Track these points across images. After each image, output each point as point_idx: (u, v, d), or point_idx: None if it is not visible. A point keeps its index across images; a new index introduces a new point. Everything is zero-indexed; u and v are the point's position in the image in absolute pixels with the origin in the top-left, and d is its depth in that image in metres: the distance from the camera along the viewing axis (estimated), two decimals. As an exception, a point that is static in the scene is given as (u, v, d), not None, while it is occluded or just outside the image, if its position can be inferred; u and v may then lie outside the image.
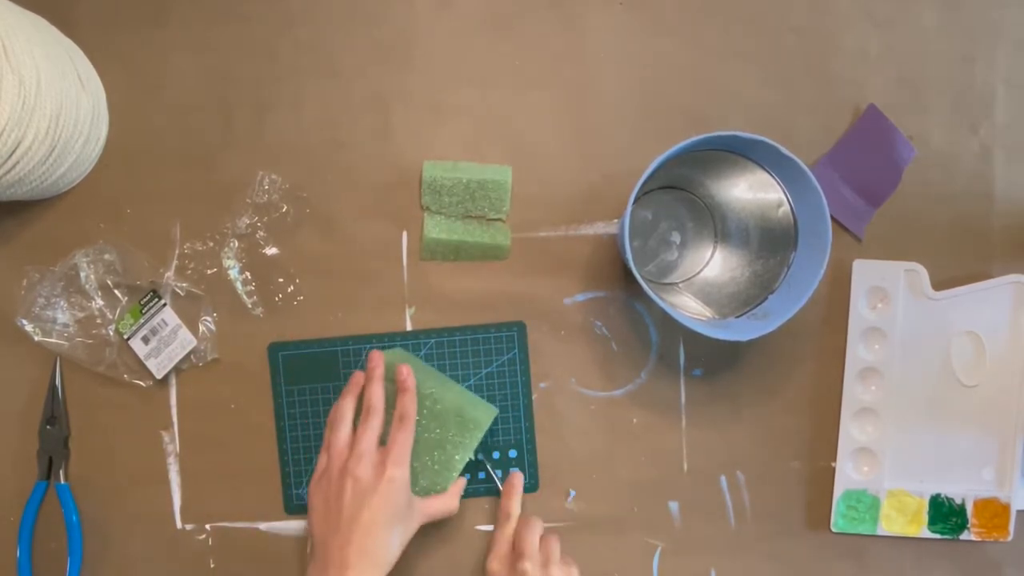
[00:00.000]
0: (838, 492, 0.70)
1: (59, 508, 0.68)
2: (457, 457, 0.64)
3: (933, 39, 0.71)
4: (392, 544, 0.59)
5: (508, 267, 0.70)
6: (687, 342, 0.71)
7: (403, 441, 0.60)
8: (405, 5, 0.70)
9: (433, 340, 0.70)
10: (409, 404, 0.62)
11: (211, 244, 0.69)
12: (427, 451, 0.64)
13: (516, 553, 0.63)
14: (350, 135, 0.70)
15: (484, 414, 0.65)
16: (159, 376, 0.68)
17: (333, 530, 0.58)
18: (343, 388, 0.64)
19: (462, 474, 0.65)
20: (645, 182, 0.58)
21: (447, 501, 0.64)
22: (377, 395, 0.62)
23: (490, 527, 0.70)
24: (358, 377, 0.64)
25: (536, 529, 0.64)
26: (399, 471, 0.59)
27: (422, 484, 0.64)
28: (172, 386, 0.69)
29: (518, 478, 0.68)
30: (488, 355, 0.70)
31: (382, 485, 0.58)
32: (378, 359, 0.64)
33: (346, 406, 0.62)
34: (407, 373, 0.63)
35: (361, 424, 0.61)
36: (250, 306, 0.69)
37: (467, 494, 0.70)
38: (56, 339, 0.68)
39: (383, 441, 0.61)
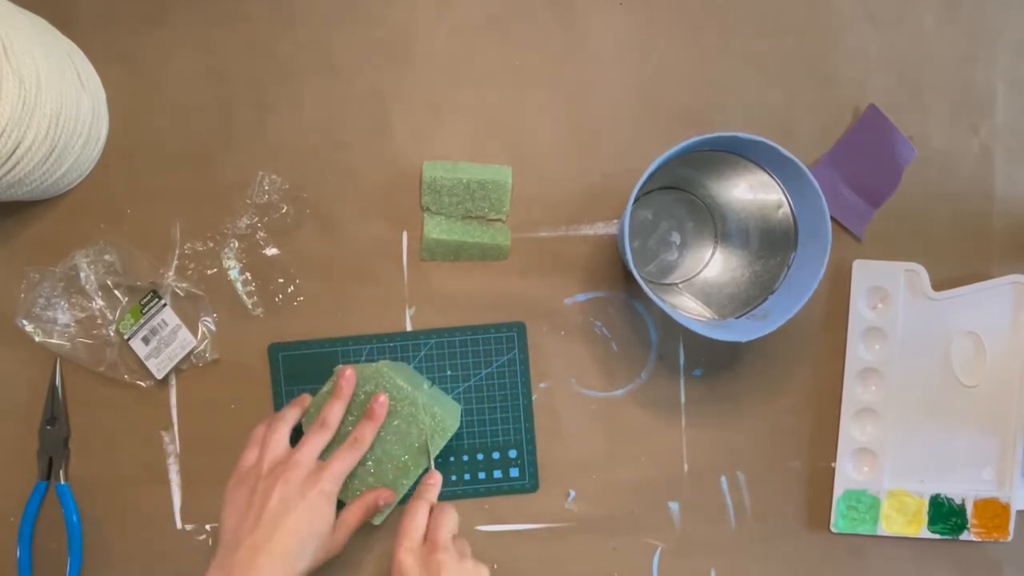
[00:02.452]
0: (838, 492, 0.70)
1: (59, 508, 0.68)
2: (404, 481, 0.64)
3: (933, 39, 0.71)
4: (304, 559, 0.56)
5: (508, 267, 0.70)
6: (687, 342, 0.71)
7: (347, 461, 0.59)
8: (405, 5, 0.70)
9: (433, 340, 0.70)
10: (368, 432, 0.61)
11: (211, 244, 0.69)
12: (384, 462, 0.64)
13: (430, 544, 0.58)
14: (350, 135, 0.70)
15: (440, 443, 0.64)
16: (159, 376, 0.68)
17: (249, 530, 0.55)
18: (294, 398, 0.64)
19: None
20: (645, 182, 0.58)
21: (356, 516, 0.62)
22: (336, 414, 0.62)
23: (490, 527, 0.70)
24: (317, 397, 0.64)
25: (451, 519, 0.60)
26: (332, 487, 0.58)
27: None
28: (172, 386, 0.69)
29: (436, 476, 0.64)
30: (488, 355, 0.70)
31: (313, 495, 0.57)
32: (349, 383, 0.63)
33: (293, 413, 0.63)
34: (382, 404, 0.62)
35: (309, 433, 0.61)
36: (250, 306, 0.69)
37: (467, 494, 0.70)
38: (57, 339, 0.68)
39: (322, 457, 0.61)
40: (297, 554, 0.56)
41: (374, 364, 0.65)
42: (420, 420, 0.63)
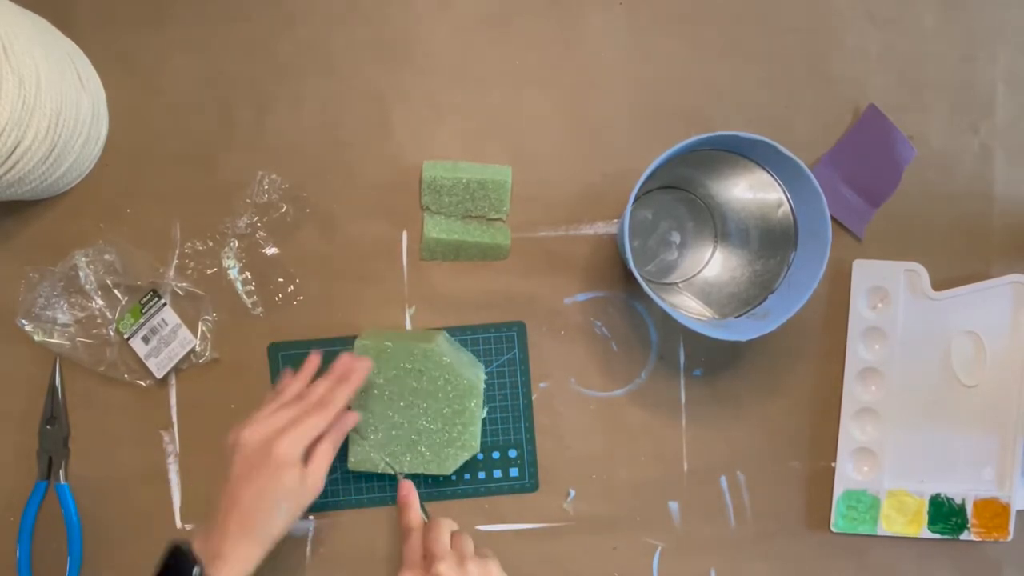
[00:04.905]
0: (838, 492, 0.70)
1: (59, 508, 0.68)
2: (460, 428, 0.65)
3: (933, 39, 0.71)
4: (277, 522, 0.58)
5: (508, 267, 0.70)
6: (687, 342, 0.71)
7: (311, 424, 0.59)
8: (405, 5, 0.70)
9: (433, 340, 0.70)
10: (339, 394, 0.61)
11: (211, 244, 0.69)
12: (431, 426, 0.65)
13: (428, 557, 0.59)
14: (350, 135, 0.70)
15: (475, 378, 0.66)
16: (159, 376, 0.68)
17: (223, 495, 0.57)
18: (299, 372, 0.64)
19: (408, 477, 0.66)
20: (645, 182, 0.58)
21: (326, 455, 0.61)
22: (316, 392, 0.61)
23: (491, 527, 0.70)
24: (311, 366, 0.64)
25: (445, 528, 0.61)
26: (287, 446, 0.57)
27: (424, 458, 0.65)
28: (172, 386, 0.69)
29: (407, 487, 0.65)
30: (488, 355, 0.70)
31: (267, 459, 0.57)
32: (312, 366, 0.64)
33: (293, 388, 0.62)
34: (348, 364, 0.62)
35: (268, 406, 0.61)
36: (250, 306, 0.69)
37: (467, 494, 0.70)
38: (57, 339, 0.68)
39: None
40: (265, 521, 0.57)
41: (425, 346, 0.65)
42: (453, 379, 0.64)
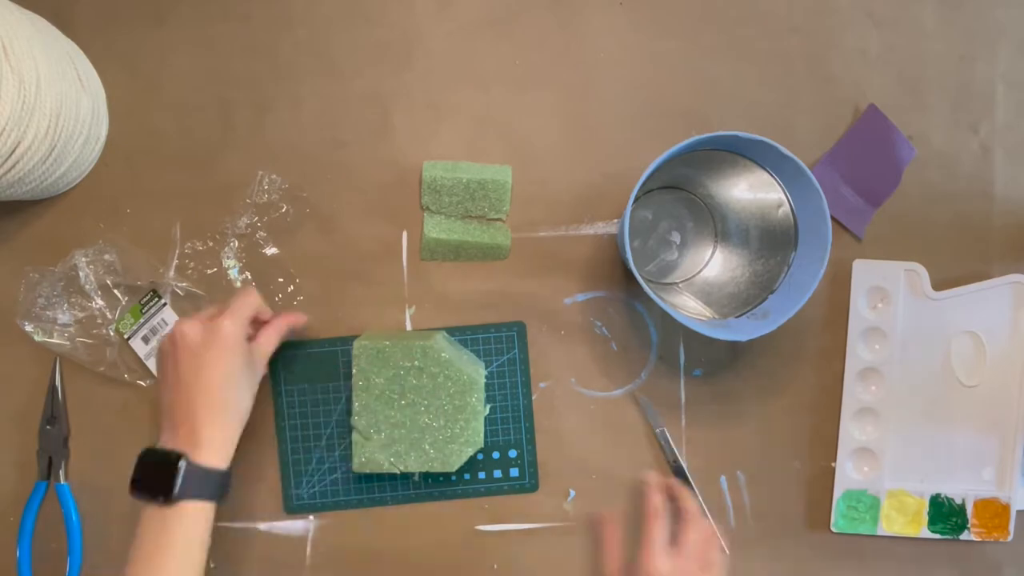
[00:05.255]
0: (838, 492, 0.70)
1: (59, 508, 0.68)
2: (463, 423, 0.65)
3: (933, 39, 0.71)
4: (241, 397, 0.59)
5: (508, 267, 0.70)
6: (687, 342, 0.71)
7: (243, 303, 0.61)
8: (405, 5, 0.70)
9: (433, 340, 0.70)
10: (284, 325, 0.64)
11: (211, 244, 0.69)
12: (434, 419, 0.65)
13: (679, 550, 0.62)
14: (350, 135, 0.70)
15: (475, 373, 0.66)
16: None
17: (176, 393, 0.58)
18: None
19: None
20: (645, 182, 0.58)
21: (270, 338, 0.64)
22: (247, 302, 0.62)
23: (490, 527, 0.70)
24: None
25: (699, 524, 0.64)
26: (229, 323, 0.59)
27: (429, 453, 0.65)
28: (172, 386, 0.69)
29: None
30: (488, 355, 0.70)
31: (214, 339, 0.58)
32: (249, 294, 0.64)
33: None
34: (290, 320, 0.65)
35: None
36: (250, 306, 0.69)
37: (467, 494, 0.70)
38: (57, 339, 0.68)
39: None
40: (232, 398, 0.58)
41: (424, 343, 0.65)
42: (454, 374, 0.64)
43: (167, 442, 0.57)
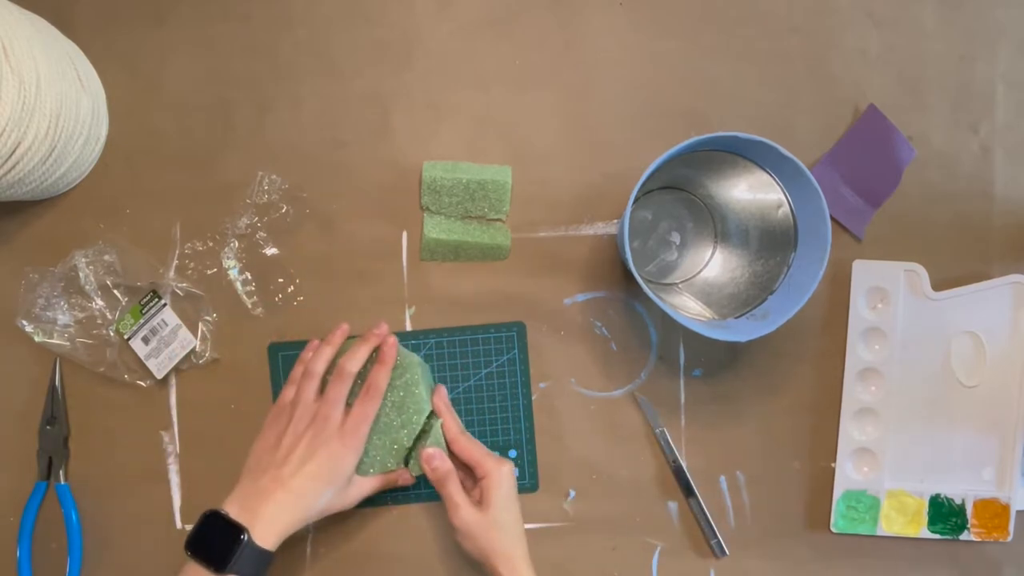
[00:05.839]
0: (838, 492, 0.70)
1: (59, 508, 0.68)
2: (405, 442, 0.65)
3: (933, 39, 0.71)
4: (318, 502, 0.59)
5: (508, 267, 0.70)
6: (687, 342, 0.71)
7: (367, 410, 0.61)
8: (405, 5, 0.70)
9: (433, 340, 0.70)
10: (382, 377, 0.62)
11: (211, 244, 0.69)
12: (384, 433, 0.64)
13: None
14: (350, 135, 0.70)
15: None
16: (159, 376, 0.68)
17: (275, 465, 0.59)
18: (325, 339, 0.65)
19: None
20: (645, 182, 0.58)
21: (372, 484, 0.64)
22: (357, 363, 0.63)
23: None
24: (339, 336, 0.65)
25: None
26: (355, 441, 0.60)
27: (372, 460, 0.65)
28: (172, 386, 0.69)
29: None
30: (488, 355, 0.70)
31: (335, 447, 0.60)
32: (343, 333, 0.65)
33: (327, 354, 0.64)
34: (391, 345, 0.64)
35: (332, 383, 0.62)
36: (250, 306, 0.69)
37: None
38: (57, 339, 0.68)
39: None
40: (313, 496, 0.59)
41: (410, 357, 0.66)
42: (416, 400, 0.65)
43: (234, 503, 0.58)
